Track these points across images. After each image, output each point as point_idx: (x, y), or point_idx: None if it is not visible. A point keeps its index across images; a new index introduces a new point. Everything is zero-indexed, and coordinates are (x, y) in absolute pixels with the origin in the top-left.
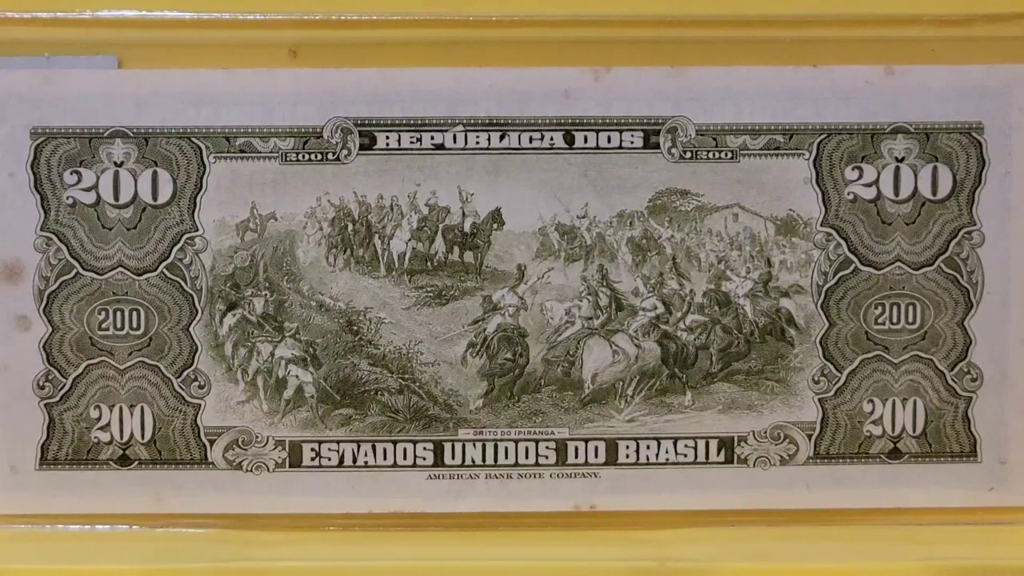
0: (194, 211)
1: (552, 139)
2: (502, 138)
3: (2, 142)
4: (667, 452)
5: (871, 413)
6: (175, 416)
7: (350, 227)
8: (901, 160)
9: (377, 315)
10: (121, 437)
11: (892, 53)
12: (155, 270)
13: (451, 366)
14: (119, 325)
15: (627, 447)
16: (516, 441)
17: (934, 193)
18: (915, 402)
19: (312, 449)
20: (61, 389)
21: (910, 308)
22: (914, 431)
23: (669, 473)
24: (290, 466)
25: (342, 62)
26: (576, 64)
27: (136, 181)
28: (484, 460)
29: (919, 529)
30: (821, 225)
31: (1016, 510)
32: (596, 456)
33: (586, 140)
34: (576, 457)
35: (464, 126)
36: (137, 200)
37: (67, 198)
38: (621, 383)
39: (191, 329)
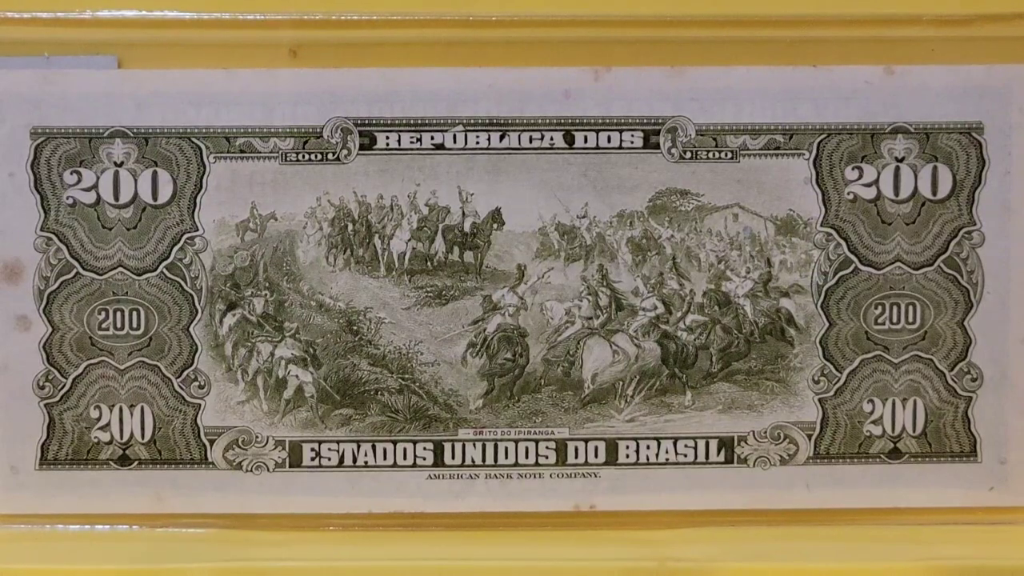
0: (194, 211)
1: (552, 139)
2: (502, 138)
3: (2, 142)
4: (667, 452)
5: (871, 413)
6: (175, 416)
7: (350, 227)
8: (901, 160)
9: (377, 315)
10: (121, 437)
11: (892, 53)
12: (155, 270)
13: (451, 366)
14: (119, 325)
15: (627, 447)
16: (516, 441)
17: (934, 193)
18: (915, 402)
19: (312, 449)
20: (61, 389)
21: (910, 308)
22: (914, 431)
23: (669, 473)
24: (290, 466)
25: (342, 62)
26: (576, 64)
27: (136, 181)
28: (484, 460)
29: (919, 529)
30: (821, 225)
31: (1016, 510)
32: (596, 456)
33: (586, 140)
34: (576, 457)
35: (464, 126)
36: (137, 200)
37: (67, 198)
38: (621, 383)
39: (191, 329)
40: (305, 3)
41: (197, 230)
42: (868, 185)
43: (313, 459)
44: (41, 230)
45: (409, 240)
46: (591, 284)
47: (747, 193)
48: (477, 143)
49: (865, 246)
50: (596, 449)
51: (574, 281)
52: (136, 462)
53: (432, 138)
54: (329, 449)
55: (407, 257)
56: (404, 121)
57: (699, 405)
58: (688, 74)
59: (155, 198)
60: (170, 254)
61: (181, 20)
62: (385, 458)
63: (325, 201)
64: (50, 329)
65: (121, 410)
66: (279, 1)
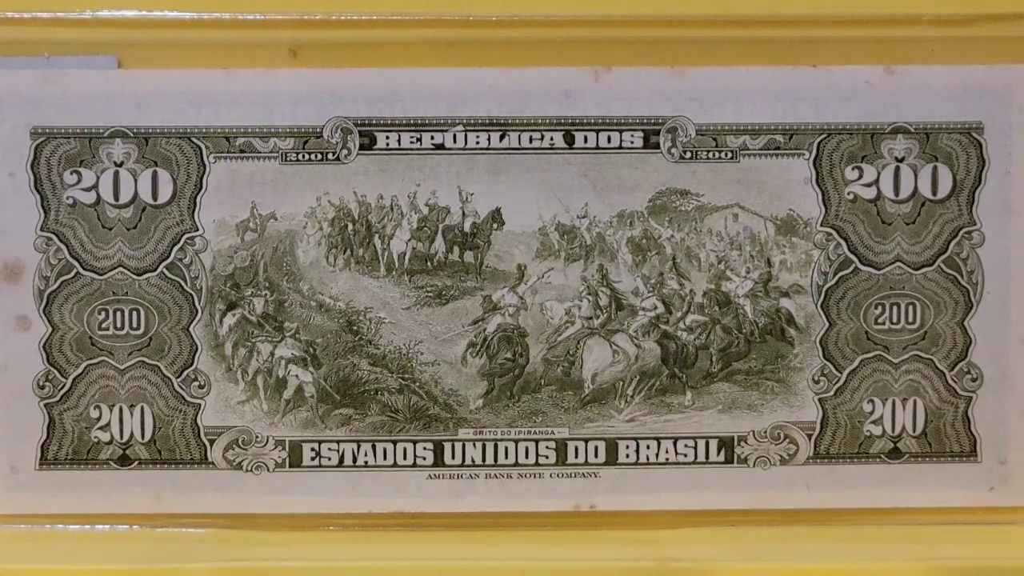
0: (194, 211)
1: (552, 139)
2: (502, 138)
3: (2, 142)
4: (667, 452)
5: (871, 413)
6: (175, 416)
7: (350, 227)
8: (901, 160)
9: (377, 315)
10: (121, 437)
11: (892, 53)
12: (155, 270)
13: (451, 366)
14: (119, 325)
15: (627, 447)
16: (516, 441)
17: (934, 193)
18: (915, 402)
19: (312, 449)
20: (61, 389)
21: (910, 308)
22: (914, 431)
23: (669, 473)
24: (290, 466)
25: (342, 62)
26: (576, 64)
27: (136, 181)
28: (484, 460)
29: (919, 529)
30: (821, 225)
31: (1016, 510)
32: (596, 456)
33: (586, 140)
34: (576, 457)
35: (464, 126)
36: (137, 200)
37: (67, 198)
38: (621, 383)
39: (191, 329)
40: (305, 3)
41: (197, 230)
42: (868, 185)
43: (313, 459)
44: (41, 230)
45: (409, 240)
46: (591, 284)
47: (747, 193)
48: (477, 143)
49: (865, 246)
50: (596, 449)
51: (574, 281)
52: (136, 462)
53: (432, 138)
54: (329, 449)
55: (407, 257)
56: (404, 121)
57: (699, 405)
58: (688, 74)
59: (155, 198)
60: (170, 254)
61: (181, 20)
62: (385, 458)
63: (325, 201)
64: (50, 329)
65: (121, 410)
66: (279, 1)
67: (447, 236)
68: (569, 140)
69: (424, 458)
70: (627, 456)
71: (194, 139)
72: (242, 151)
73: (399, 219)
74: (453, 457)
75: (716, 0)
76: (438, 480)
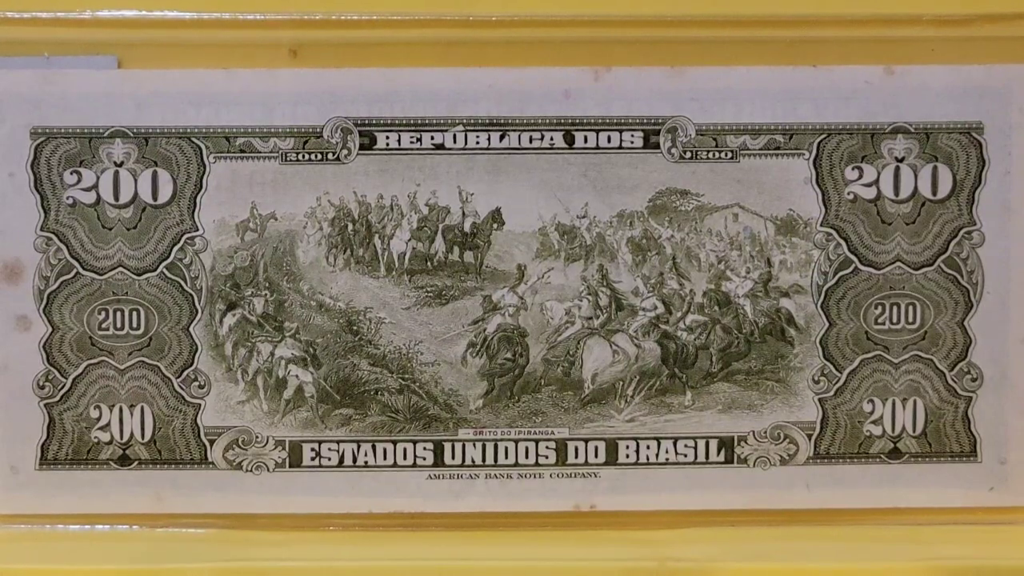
0: (194, 211)
1: (552, 139)
2: (502, 138)
3: (2, 142)
4: (667, 452)
5: (871, 413)
6: (175, 416)
7: (350, 227)
8: (901, 160)
9: (377, 315)
10: (121, 437)
11: (892, 53)
12: (155, 270)
13: (451, 366)
14: (119, 325)
15: (627, 447)
16: (516, 441)
17: (934, 193)
18: (915, 402)
19: (312, 449)
20: (61, 389)
21: (910, 308)
22: (914, 431)
23: (669, 473)
24: (290, 466)
25: (342, 62)
26: (576, 64)
27: (136, 181)
28: (484, 460)
29: (919, 529)
30: (821, 225)
31: (1016, 510)
32: (596, 456)
33: (586, 140)
34: (576, 457)
35: (464, 126)
36: (137, 200)
37: (67, 198)
38: (621, 383)
39: (191, 329)
40: (305, 3)
41: (197, 230)
42: (868, 185)
43: (313, 459)
44: (41, 230)
45: (409, 240)
46: (591, 284)
47: (747, 193)
48: (477, 143)
49: (865, 246)
50: (596, 449)
51: (574, 281)
52: (136, 462)
53: (432, 138)
54: (329, 449)
55: (407, 257)
56: (404, 121)
57: (699, 405)
58: (688, 74)
59: (155, 198)
60: (170, 254)
61: (181, 20)
62: (385, 458)
63: (325, 201)
64: (50, 329)
65: (121, 410)
66: (279, 1)
67: (447, 236)
68: (569, 140)
69: (424, 458)
70: (627, 456)
71: (194, 139)
72: (242, 151)
73: (399, 219)
74: (453, 457)
75: (716, 0)
76: (438, 480)
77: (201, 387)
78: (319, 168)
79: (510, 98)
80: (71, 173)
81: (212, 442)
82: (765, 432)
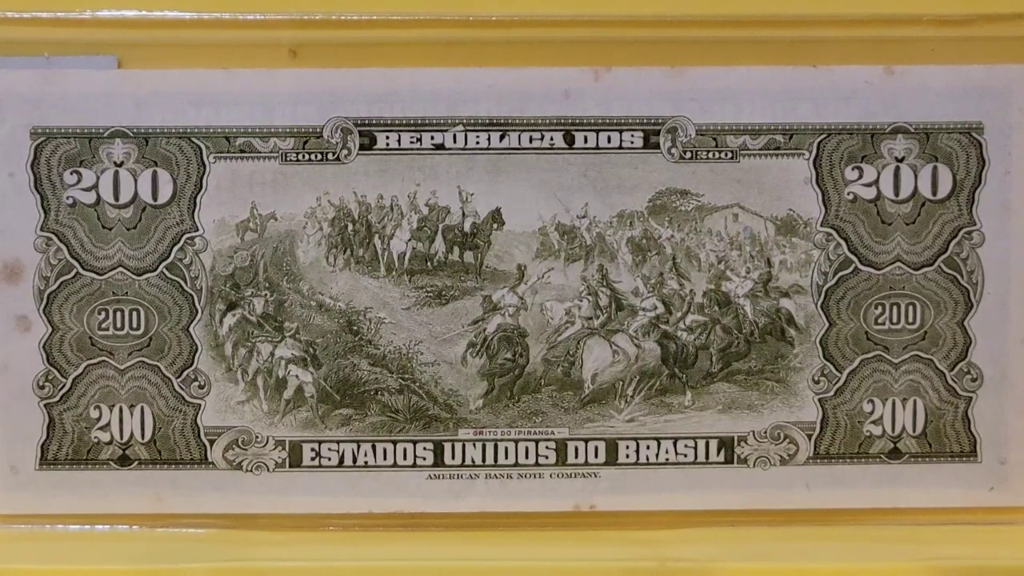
0: (194, 211)
1: (552, 139)
2: (502, 138)
3: (2, 142)
4: (667, 452)
5: (871, 413)
6: (175, 416)
7: (350, 227)
8: (901, 160)
9: (377, 315)
10: (121, 437)
11: (892, 53)
12: (155, 270)
13: (451, 366)
14: (119, 325)
15: (627, 447)
16: (516, 441)
17: (934, 193)
18: (915, 402)
19: (312, 449)
20: (61, 389)
21: (910, 308)
22: (914, 431)
23: (669, 473)
24: (290, 466)
25: (342, 62)
26: (576, 64)
27: (136, 181)
28: (484, 460)
29: (919, 529)
30: (821, 225)
31: (1016, 510)
32: (596, 456)
33: (586, 140)
34: (576, 457)
35: (464, 126)
36: (137, 200)
37: (67, 198)
38: (621, 383)
39: (191, 329)
40: (305, 3)
41: (197, 230)
42: (868, 185)
43: (313, 459)
44: (41, 230)
45: (409, 240)
46: (591, 284)
47: (747, 193)
48: (477, 143)
49: (865, 246)
50: (596, 449)
51: (574, 281)
52: (136, 462)
53: (432, 138)
54: (329, 449)
55: (407, 257)
56: (404, 121)
57: (699, 405)
58: (688, 74)
59: (155, 198)
60: (170, 254)
61: (181, 20)
62: (385, 458)
63: (325, 201)
64: (50, 329)
65: (121, 410)
66: (279, 1)
67: (447, 236)
68: (569, 140)
69: (424, 458)
70: (627, 456)
71: (194, 139)
72: (242, 151)
73: (399, 219)
74: (453, 457)
75: (716, 0)
76: (438, 480)
77: (201, 387)
78: (319, 168)
79: (510, 98)
80: (71, 173)
81: (212, 442)
82: (765, 432)
